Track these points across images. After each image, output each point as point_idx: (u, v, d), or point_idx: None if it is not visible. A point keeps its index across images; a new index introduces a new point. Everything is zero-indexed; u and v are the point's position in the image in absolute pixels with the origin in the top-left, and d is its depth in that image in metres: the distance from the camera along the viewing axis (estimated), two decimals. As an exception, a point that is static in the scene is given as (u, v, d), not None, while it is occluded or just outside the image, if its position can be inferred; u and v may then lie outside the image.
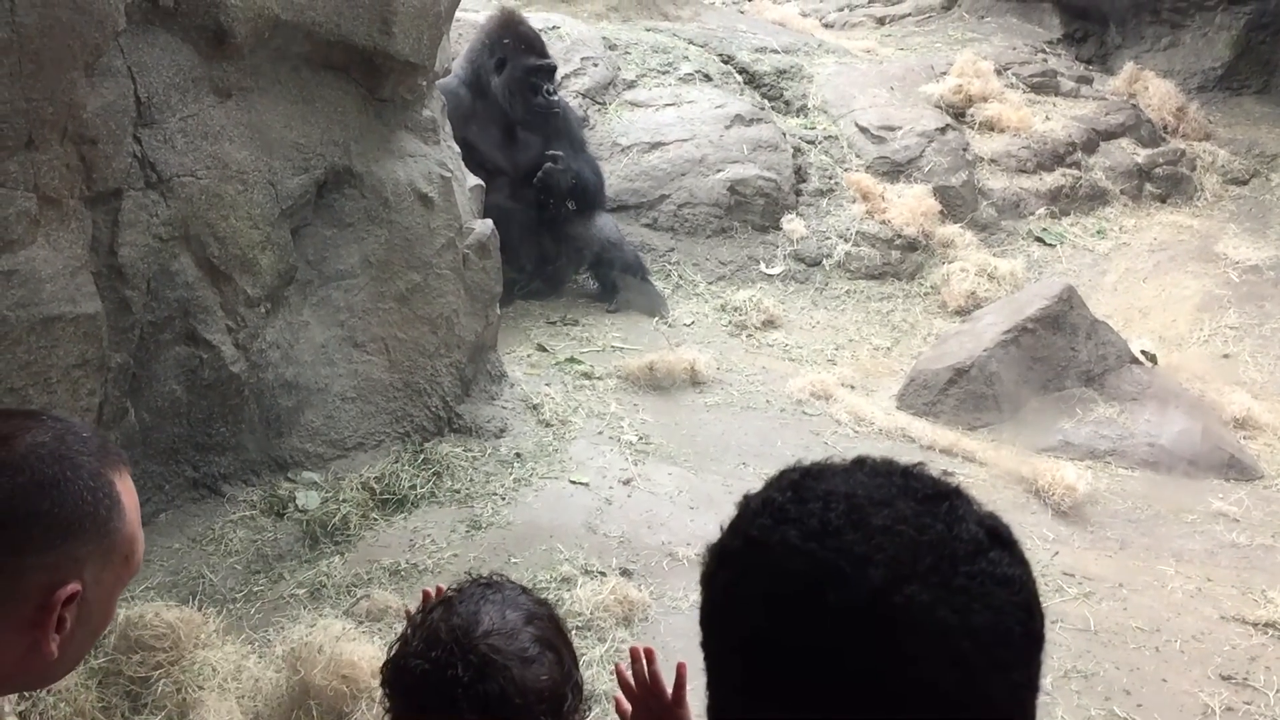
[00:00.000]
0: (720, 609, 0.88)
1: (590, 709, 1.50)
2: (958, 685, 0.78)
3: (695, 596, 4.10)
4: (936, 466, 4.92)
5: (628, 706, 1.65)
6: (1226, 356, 6.18)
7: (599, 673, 3.55)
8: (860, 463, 0.91)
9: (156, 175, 3.67)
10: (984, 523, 0.86)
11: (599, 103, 7.44)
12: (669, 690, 1.60)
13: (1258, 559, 4.38)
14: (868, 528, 0.82)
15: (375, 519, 4.26)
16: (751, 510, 0.88)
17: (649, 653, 1.62)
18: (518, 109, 6.19)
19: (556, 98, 6.29)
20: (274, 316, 4.21)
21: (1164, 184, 8.07)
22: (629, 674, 1.63)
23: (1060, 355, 5.49)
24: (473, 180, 5.02)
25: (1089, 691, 3.57)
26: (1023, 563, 0.86)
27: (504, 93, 6.17)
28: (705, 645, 0.91)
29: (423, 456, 4.57)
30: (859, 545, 0.80)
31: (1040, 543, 4.36)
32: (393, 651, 1.42)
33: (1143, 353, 5.88)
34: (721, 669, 0.88)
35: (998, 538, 0.85)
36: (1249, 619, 3.96)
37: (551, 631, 1.45)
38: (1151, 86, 8.88)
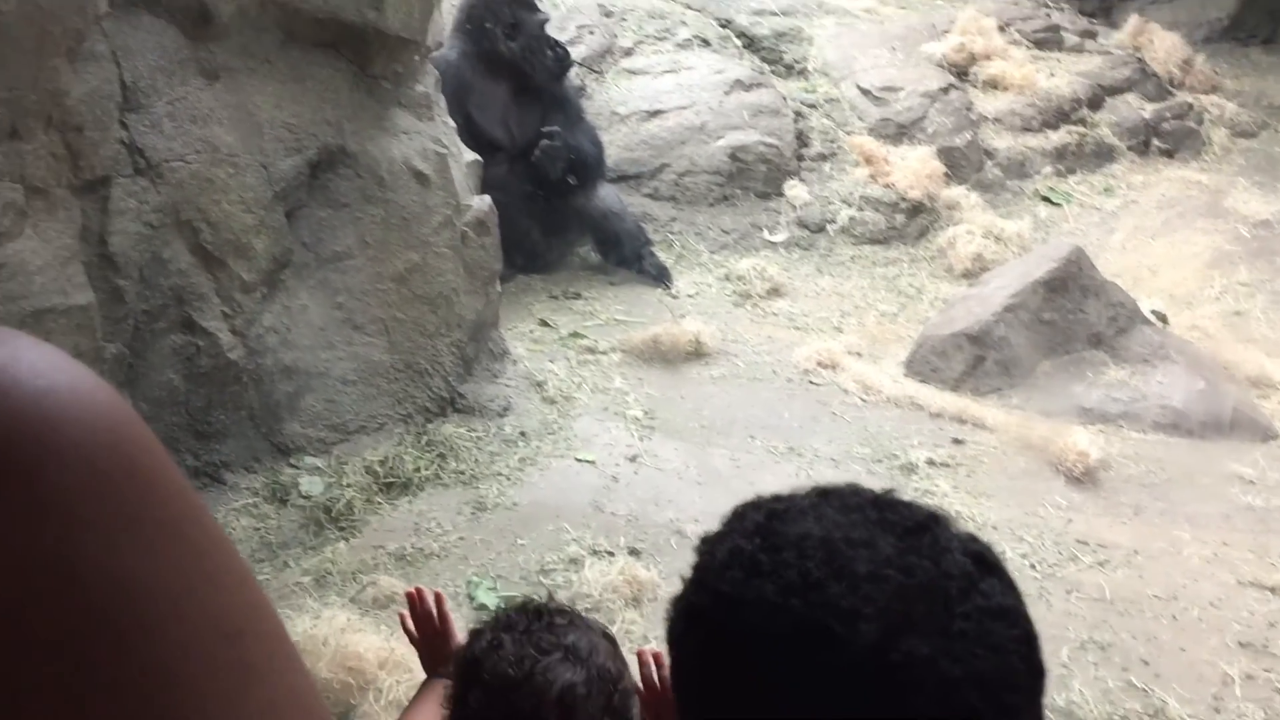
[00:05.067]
0: (695, 672, 0.81)
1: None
2: None
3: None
4: (946, 434, 4.88)
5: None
6: (1238, 314, 6.09)
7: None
8: (825, 494, 0.84)
9: (145, 161, 3.60)
10: (968, 549, 0.80)
11: (596, 71, 7.33)
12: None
13: (1274, 522, 4.32)
14: (852, 576, 0.75)
15: (380, 503, 4.21)
16: (719, 562, 0.80)
17: (658, 657, 1.56)
18: (539, 70, 6.11)
19: (564, 52, 6.23)
20: (270, 301, 4.15)
21: (1171, 139, 7.95)
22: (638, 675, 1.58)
23: (1070, 318, 5.42)
24: (469, 155, 4.94)
25: (1106, 662, 3.53)
26: (1012, 586, 0.79)
27: (523, 55, 6.07)
28: (680, 707, 0.84)
29: (426, 438, 4.52)
30: (845, 598, 0.74)
31: (1053, 510, 4.31)
32: (478, 649, 1.47)
33: (1153, 312, 5.79)
34: None
35: (984, 564, 0.79)
36: (1266, 584, 3.91)
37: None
38: (1157, 39, 8.73)
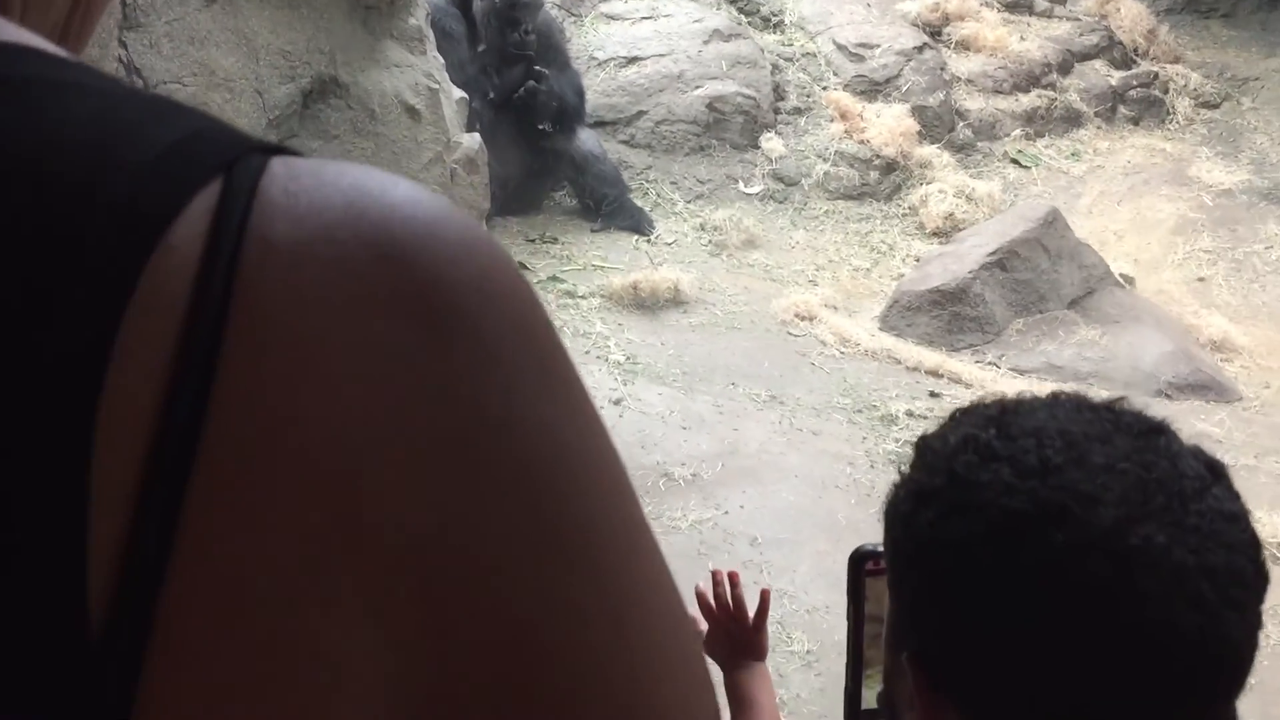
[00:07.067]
0: (923, 548, 0.84)
1: None
2: (1197, 628, 0.76)
3: (694, 516, 4.05)
4: (923, 388, 4.96)
5: (704, 627, 1.63)
6: (1201, 280, 6.24)
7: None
8: (1056, 396, 0.87)
9: (143, 82, 3.52)
10: (1199, 457, 0.84)
11: (575, 15, 7.26)
12: (751, 615, 1.58)
13: (1241, 480, 4.37)
14: (1090, 465, 0.78)
15: (366, 439, 4.20)
16: (951, 448, 0.83)
17: (733, 576, 1.59)
18: (495, 40, 5.98)
19: (533, 37, 6.03)
20: (261, 231, 4.09)
21: (1137, 106, 8.08)
22: (710, 596, 1.61)
23: (1043, 278, 5.52)
24: (458, 93, 4.89)
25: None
26: (1238, 496, 0.84)
27: (483, 22, 5.95)
28: (898, 585, 0.87)
29: (412, 375, 4.50)
30: (1084, 483, 0.77)
31: (1030, 463, 4.40)
32: None
33: (1121, 275, 5.92)
34: (923, 610, 0.84)
35: (1215, 472, 0.83)
36: (1235, 538, 4.04)
37: None
38: (1123, 8, 8.82)
